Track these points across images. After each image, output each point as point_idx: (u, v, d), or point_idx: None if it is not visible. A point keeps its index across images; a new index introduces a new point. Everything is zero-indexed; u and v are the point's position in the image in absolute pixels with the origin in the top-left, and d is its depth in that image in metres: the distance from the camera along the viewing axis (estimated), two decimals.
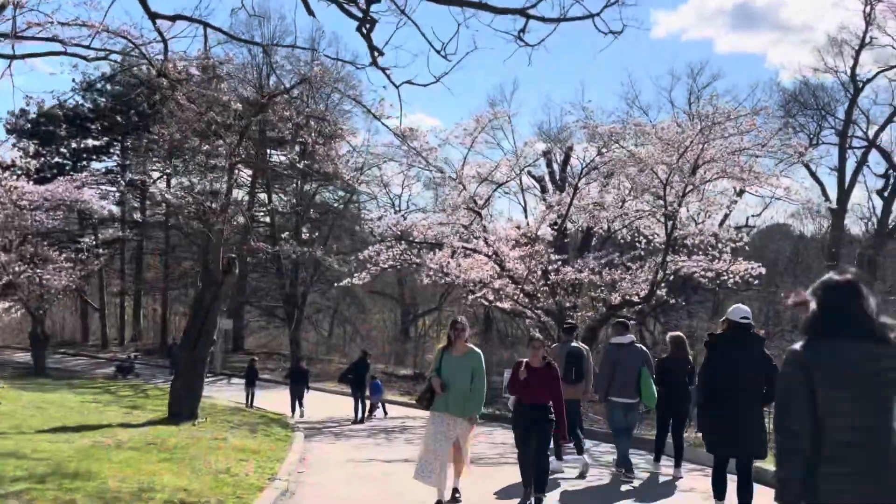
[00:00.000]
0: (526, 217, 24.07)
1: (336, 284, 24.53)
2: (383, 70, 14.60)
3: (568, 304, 19.80)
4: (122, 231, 45.42)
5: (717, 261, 18.16)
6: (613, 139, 17.06)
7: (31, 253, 27.09)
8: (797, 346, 2.89)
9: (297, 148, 39.71)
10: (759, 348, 5.83)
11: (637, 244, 20.00)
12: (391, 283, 45.12)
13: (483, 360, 6.42)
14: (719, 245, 18.37)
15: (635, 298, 18.34)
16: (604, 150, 18.13)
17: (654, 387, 8.42)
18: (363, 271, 21.48)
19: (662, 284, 18.29)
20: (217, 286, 9.75)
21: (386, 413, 18.73)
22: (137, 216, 46.81)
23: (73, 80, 43.45)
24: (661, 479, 8.56)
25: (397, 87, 15.28)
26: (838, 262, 32.13)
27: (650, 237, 19.68)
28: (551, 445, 7.03)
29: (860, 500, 2.73)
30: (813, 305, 2.91)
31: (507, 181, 20.55)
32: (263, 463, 7.38)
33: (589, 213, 20.34)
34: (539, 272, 19.45)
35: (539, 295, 19.62)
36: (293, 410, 17.56)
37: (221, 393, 23.84)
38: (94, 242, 35.95)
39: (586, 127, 17.19)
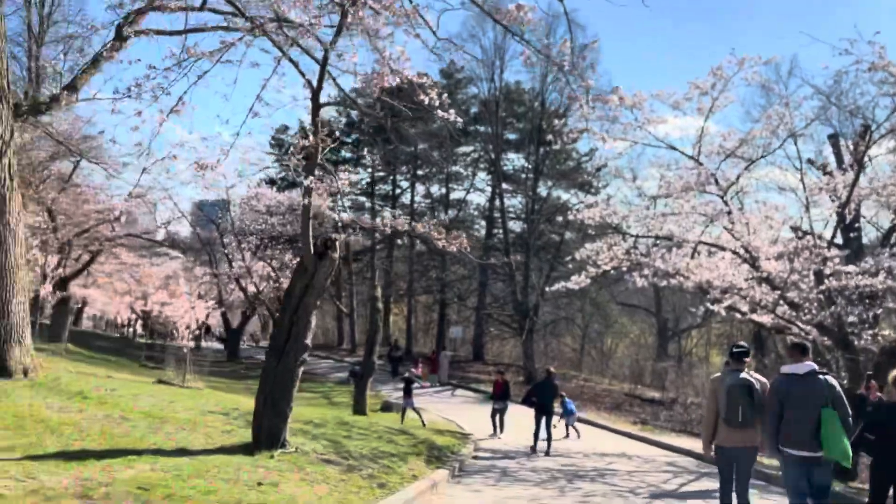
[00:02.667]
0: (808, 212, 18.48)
1: (547, 289, 21.29)
2: None
3: (853, 318, 14.57)
4: (371, 239, 46.76)
5: None
6: None
7: (269, 256, 28.10)
8: None
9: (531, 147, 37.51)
10: None
11: None
12: (649, 294, 40.92)
13: None
14: None
15: None
16: None
17: (846, 437, 5.78)
18: (581, 273, 18.15)
19: None
20: (309, 276, 7.42)
21: (578, 435, 16.51)
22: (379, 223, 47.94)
23: (328, 95, 45.97)
24: None
25: None
26: None
27: None
28: None
29: None
30: None
31: (763, 155, 15.83)
32: None
33: (887, 197, 15.01)
34: (810, 275, 14.61)
35: (809, 305, 14.70)
36: (494, 430, 15.85)
37: (440, 406, 22.09)
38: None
39: (874, 67, 12.11)
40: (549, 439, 13.43)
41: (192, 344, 41.12)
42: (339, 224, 30.26)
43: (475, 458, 12.25)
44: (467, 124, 43.94)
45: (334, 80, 7.58)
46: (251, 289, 31.87)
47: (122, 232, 25.19)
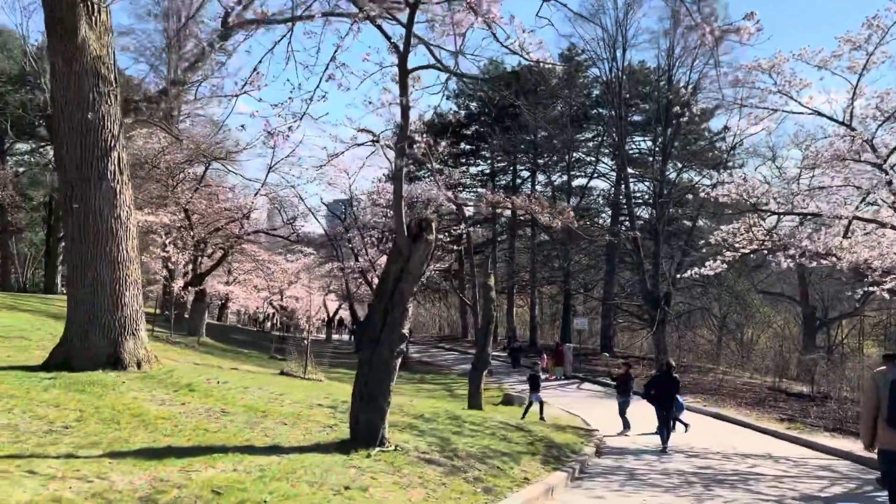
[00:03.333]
0: None
1: (679, 276, 19.85)
2: None
3: None
4: (493, 231, 46.23)
5: None
6: None
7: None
8: None
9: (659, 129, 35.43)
10: None
11: None
12: (792, 281, 37.82)
13: None
14: None
15: None
16: None
17: None
18: (716, 259, 16.73)
19: None
20: (403, 259, 6.86)
21: (685, 426, 15.30)
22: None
23: (447, 89, 45.91)
24: None
25: None
26: None
27: None
28: None
29: None
30: None
31: None
32: None
33: None
34: None
35: None
36: (624, 426, 14.80)
37: (565, 400, 21.26)
38: (447, 239, 36.49)
39: None
40: (667, 434, 12.60)
41: (318, 335, 42.14)
42: (462, 216, 29.98)
43: (598, 454, 11.37)
44: (588, 108, 42.43)
45: (425, 43, 6.95)
46: (375, 282, 32.19)
47: (250, 229, 26.06)
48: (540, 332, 46.69)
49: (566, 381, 27.96)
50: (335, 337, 45.87)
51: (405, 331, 6.97)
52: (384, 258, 30.63)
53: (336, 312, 47.40)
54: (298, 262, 37.86)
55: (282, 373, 16.51)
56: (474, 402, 14.07)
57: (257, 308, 50.08)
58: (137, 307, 9.45)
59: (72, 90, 8.78)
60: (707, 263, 16.71)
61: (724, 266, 16.58)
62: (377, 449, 6.83)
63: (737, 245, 16.13)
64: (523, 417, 15.73)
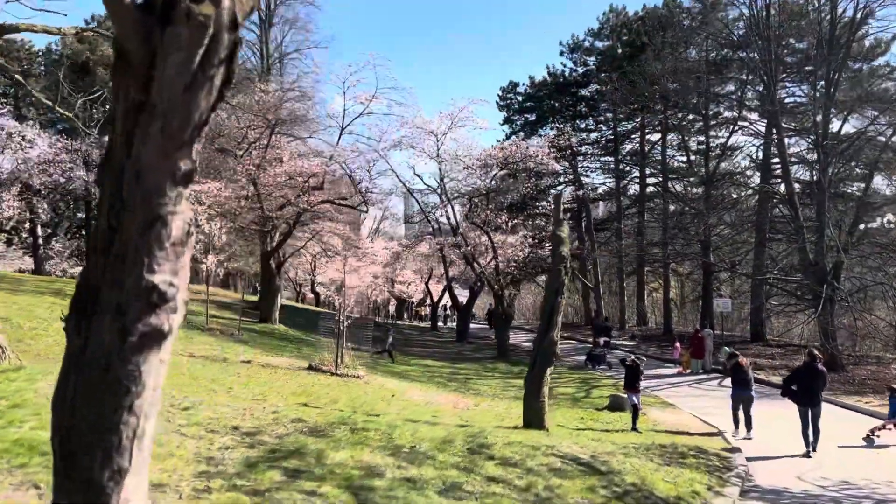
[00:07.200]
0: None
1: (865, 227, 14.30)
2: None
3: None
4: (617, 203, 40.75)
5: None
6: None
7: (481, 220, 23.79)
8: None
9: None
10: None
11: None
12: None
13: None
14: None
15: None
16: None
17: None
18: None
19: None
20: (138, 80, 1.97)
21: None
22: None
23: (560, 43, 40.42)
24: None
25: None
26: None
27: None
28: None
29: None
30: None
31: None
32: None
33: None
34: None
35: None
36: (736, 425, 12.72)
37: (701, 403, 16.40)
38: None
39: None
40: (815, 440, 10.75)
41: (424, 324, 38.43)
42: (578, 184, 25.09)
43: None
44: (731, 50, 35.93)
45: None
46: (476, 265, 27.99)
47: (319, 198, 22.57)
48: (681, 315, 40.75)
49: (705, 377, 22.56)
50: (440, 325, 42.14)
51: (172, 280, 2.31)
52: (478, 232, 26.13)
53: (441, 297, 43.56)
54: (395, 243, 34.87)
55: (310, 367, 12.88)
56: (533, 416, 8.99)
57: (369, 295, 47.45)
58: None
59: None
60: None
61: None
62: None
63: None
64: (634, 429, 11.67)
